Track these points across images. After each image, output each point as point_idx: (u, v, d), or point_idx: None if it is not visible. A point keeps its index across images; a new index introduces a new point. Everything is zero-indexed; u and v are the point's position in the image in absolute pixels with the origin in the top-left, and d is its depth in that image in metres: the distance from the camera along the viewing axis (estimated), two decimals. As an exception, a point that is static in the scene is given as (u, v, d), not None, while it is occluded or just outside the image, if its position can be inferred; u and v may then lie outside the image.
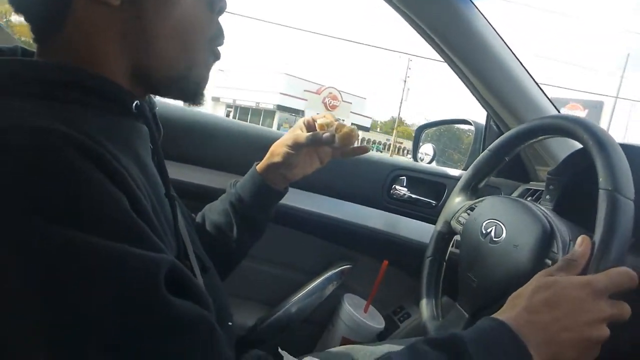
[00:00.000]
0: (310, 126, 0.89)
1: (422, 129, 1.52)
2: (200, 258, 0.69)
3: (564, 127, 0.80)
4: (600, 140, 0.71)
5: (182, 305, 0.41)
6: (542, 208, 0.83)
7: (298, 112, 27.45)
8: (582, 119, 0.77)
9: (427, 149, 1.46)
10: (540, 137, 0.88)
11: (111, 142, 0.47)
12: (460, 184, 0.99)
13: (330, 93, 30.01)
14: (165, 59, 0.57)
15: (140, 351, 0.38)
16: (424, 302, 0.93)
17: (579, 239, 0.64)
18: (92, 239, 0.37)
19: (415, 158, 1.49)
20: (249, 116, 28.78)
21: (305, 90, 28.87)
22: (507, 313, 0.57)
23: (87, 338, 0.36)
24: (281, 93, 27.72)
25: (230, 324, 0.73)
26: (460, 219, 0.93)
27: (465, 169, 1.23)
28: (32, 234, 0.36)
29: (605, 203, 0.65)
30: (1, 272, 0.36)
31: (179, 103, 0.69)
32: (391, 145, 34.66)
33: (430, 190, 1.27)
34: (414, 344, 0.54)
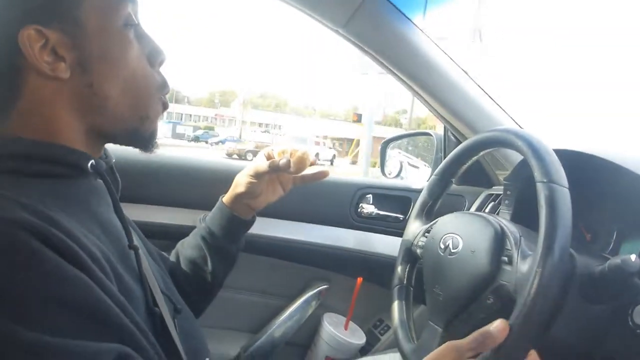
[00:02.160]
0: (269, 156, 0.93)
1: (387, 143, 1.56)
2: (171, 300, 0.72)
3: (500, 139, 0.83)
4: (530, 142, 0.75)
5: None
6: (493, 215, 0.86)
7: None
8: (514, 130, 0.80)
9: (393, 164, 1.50)
10: (482, 152, 0.91)
11: (69, 213, 0.52)
12: (414, 210, 1.01)
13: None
14: (118, 116, 0.62)
15: None
16: (397, 328, 0.94)
17: (497, 322, 0.63)
18: (33, 335, 0.41)
19: (383, 173, 1.53)
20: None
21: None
22: None
23: None
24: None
25: (207, 359, 0.76)
26: (419, 243, 0.95)
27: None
28: None
29: (543, 194, 0.68)
30: None
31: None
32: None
33: (397, 204, 1.31)
34: None
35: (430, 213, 0.99)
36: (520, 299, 0.66)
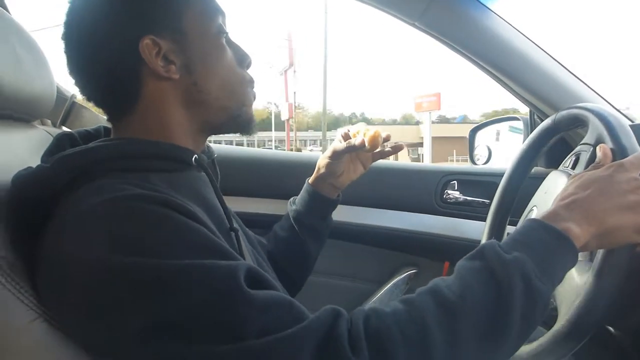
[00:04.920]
0: (346, 137, 1.01)
1: (475, 130, 1.55)
2: None
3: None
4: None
5: (260, 293, 0.52)
6: None
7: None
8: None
9: (482, 150, 1.50)
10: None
11: (181, 194, 0.62)
12: (484, 237, 1.05)
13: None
14: (220, 106, 0.73)
15: (235, 333, 0.49)
16: None
17: (598, 147, 0.69)
18: (185, 262, 0.51)
19: (471, 160, 1.53)
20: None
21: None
22: (543, 212, 0.63)
23: (191, 328, 0.49)
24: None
25: None
26: None
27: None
28: (139, 267, 0.50)
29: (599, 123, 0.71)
30: (130, 295, 0.50)
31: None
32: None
33: (483, 189, 1.31)
34: (455, 266, 0.60)
35: (502, 232, 1.01)
36: (604, 135, 0.69)
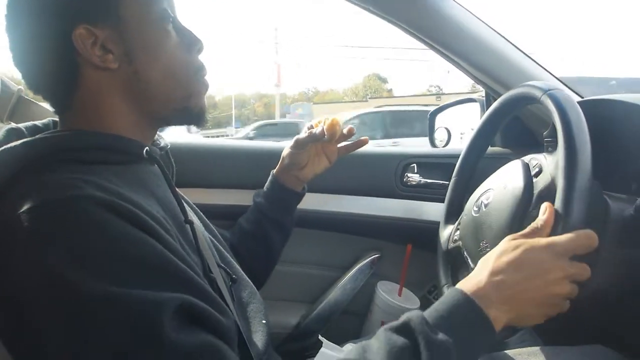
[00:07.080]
0: (311, 128, 1.00)
1: (434, 114, 1.56)
2: (227, 271, 0.80)
3: (522, 96, 0.86)
4: (554, 97, 0.75)
5: (186, 339, 0.50)
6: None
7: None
8: (538, 84, 0.80)
9: (441, 134, 1.51)
10: (507, 118, 0.95)
11: (131, 190, 0.60)
12: (443, 216, 1.05)
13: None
14: (163, 98, 0.71)
15: None
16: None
17: (542, 207, 0.68)
18: (110, 289, 0.48)
19: (432, 143, 1.54)
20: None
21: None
22: (473, 278, 0.64)
23: None
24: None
25: (264, 321, 0.84)
26: (454, 238, 0.98)
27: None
28: (63, 287, 0.48)
29: (563, 168, 0.69)
30: (26, 309, 0.49)
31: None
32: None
33: (442, 171, 1.33)
34: (377, 333, 0.61)
35: (459, 210, 1.01)
36: (559, 181, 0.68)
